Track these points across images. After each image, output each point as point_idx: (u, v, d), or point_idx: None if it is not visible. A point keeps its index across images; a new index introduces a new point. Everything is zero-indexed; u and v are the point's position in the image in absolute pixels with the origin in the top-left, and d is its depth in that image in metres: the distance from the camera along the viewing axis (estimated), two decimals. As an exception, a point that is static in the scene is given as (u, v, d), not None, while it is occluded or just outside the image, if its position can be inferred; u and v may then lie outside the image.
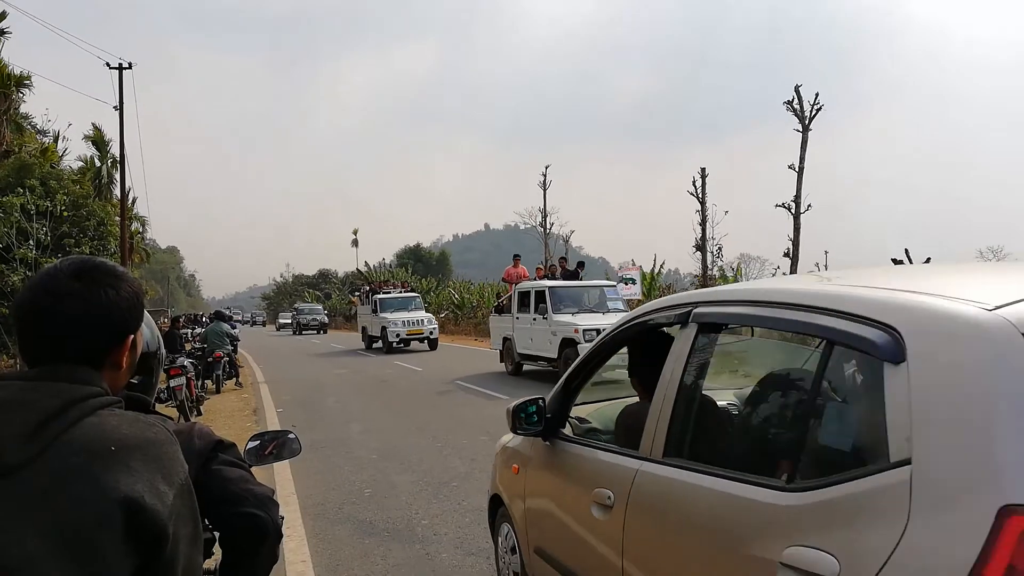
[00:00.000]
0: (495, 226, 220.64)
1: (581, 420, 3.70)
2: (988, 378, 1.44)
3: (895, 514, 1.48)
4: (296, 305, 56.46)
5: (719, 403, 3.04)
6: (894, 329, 1.63)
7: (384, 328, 24.94)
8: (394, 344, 24.22)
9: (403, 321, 24.41)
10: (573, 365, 3.51)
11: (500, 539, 4.02)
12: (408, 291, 29.60)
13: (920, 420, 1.51)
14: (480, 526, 5.62)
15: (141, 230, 38.76)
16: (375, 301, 26.21)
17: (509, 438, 3.94)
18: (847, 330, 1.77)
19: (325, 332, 46.52)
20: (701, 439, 2.47)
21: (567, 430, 3.43)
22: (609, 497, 2.58)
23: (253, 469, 1.62)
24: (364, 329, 28.35)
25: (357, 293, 32.31)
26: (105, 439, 1.10)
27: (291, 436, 2.07)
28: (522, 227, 47.53)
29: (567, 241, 43.92)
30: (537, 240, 38.78)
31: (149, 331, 1.54)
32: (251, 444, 2.02)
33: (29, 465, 1.05)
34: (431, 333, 24.61)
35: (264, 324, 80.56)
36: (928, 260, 17.23)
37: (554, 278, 16.52)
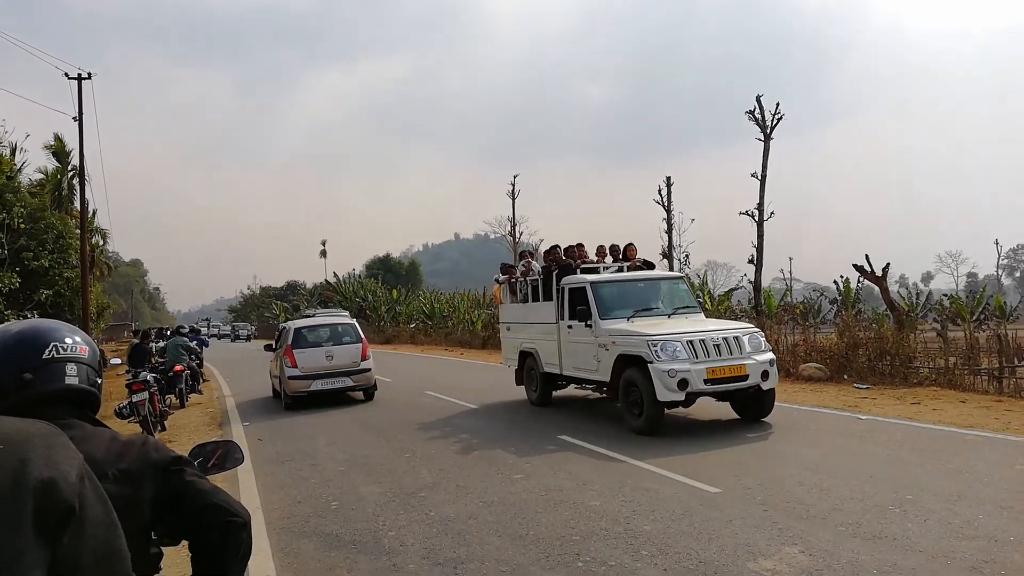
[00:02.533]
0: (465, 235, 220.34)
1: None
2: (291, 329, 14.65)
3: None
4: (307, 311, 32.45)
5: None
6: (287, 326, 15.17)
7: (651, 367, 9.06)
8: (671, 405, 9.25)
9: (690, 342, 9.18)
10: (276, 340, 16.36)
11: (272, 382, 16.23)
12: (641, 265, 12.23)
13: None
14: (448, 535, 5.60)
15: (102, 243, 37.97)
16: (575, 291, 10.89)
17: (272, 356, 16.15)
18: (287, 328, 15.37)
19: None
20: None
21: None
22: (275, 360, 15.70)
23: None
24: (532, 357, 12.29)
25: (506, 276, 13.62)
26: None
27: (233, 445, 2.05)
28: (492, 236, 47.65)
29: (536, 250, 44.08)
30: (507, 249, 38.89)
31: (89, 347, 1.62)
32: (194, 457, 1.99)
33: None
34: (764, 376, 9.32)
35: (249, 339, 62.62)
36: (887, 266, 17.65)
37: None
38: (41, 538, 1.05)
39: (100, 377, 1.65)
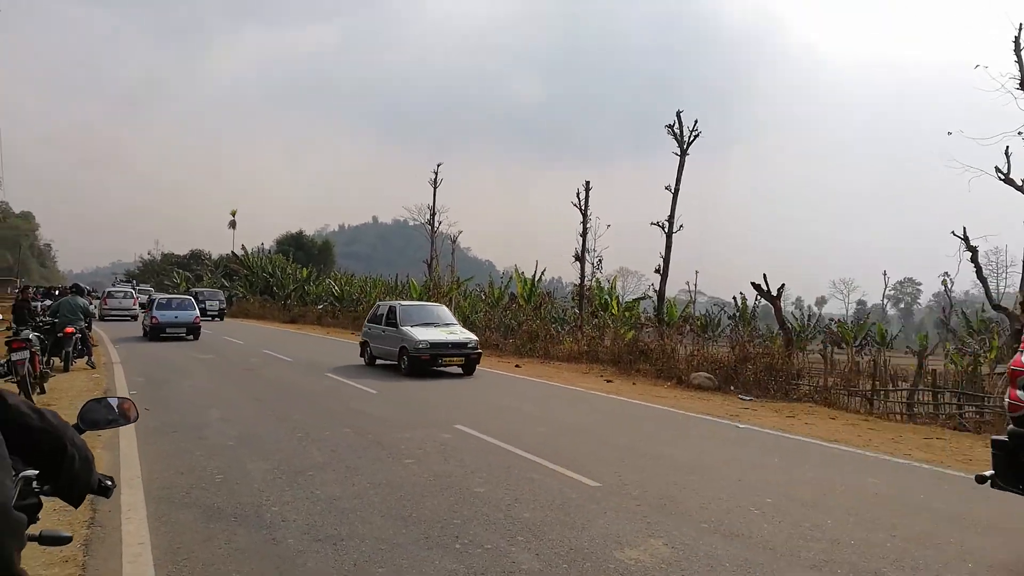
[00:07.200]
0: (384, 219, 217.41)
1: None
2: None
3: None
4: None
5: None
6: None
7: None
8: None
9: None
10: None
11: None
12: None
13: None
14: (331, 514, 5.66)
15: (-9, 191, 35.47)
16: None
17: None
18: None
19: None
20: None
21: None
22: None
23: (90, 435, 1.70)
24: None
25: None
26: None
27: (128, 402, 2.10)
28: (411, 223, 47.28)
29: (454, 241, 44.01)
30: (425, 237, 38.70)
31: None
32: (88, 408, 2.03)
33: None
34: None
35: (223, 317, 40.05)
36: (782, 286, 18.69)
37: None
38: None
39: None
